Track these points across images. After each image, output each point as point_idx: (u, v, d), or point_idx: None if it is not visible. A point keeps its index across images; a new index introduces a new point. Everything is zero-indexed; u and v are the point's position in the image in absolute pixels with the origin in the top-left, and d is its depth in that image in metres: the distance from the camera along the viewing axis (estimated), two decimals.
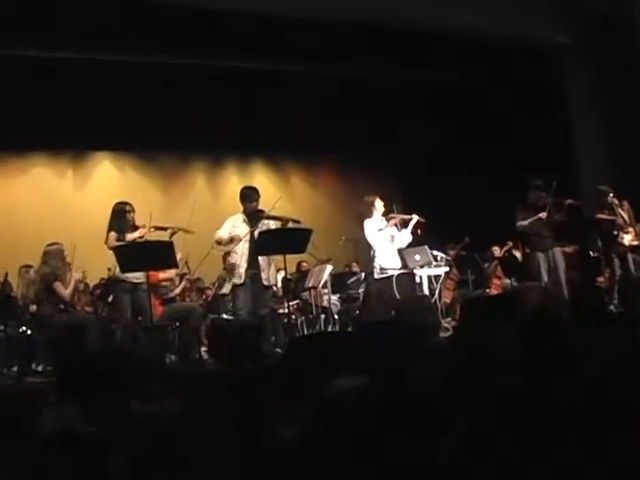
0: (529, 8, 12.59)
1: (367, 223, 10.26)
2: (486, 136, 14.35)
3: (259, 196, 9.24)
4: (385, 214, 10.36)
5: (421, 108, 15.47)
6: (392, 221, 10.31)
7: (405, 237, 10.40)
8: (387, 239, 10.29)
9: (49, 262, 9.06)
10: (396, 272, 10.29)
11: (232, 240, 9.08)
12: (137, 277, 8.50)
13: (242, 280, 9.05)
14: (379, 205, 10.37)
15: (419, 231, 12.95)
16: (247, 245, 9.06)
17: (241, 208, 9.24)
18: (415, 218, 10.43)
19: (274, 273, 9.39)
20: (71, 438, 2.83)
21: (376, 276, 10.55)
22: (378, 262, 10.25)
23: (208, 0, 11.45)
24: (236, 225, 9.16)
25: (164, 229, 8.92)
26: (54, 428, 3.22)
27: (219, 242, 9.21)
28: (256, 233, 8.98)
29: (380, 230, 10.22)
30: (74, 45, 12.10)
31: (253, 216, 9.13)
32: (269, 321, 9.34)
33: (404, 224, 10.43)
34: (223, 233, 9.12)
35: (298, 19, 11.90)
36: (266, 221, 9.13)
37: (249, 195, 9.23)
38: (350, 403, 2.87)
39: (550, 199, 10.33)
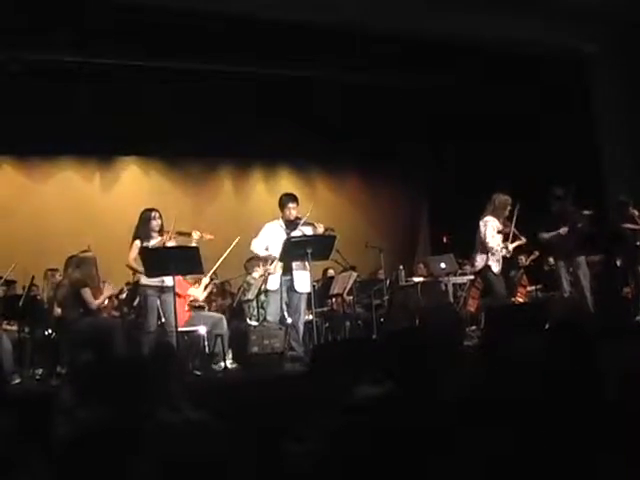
0: (556, 17, 12.53)
1: (490, 219, 10.05)
2: (511, 144, 14.29)
3: (298, 203, 9.29)
4: (507, 219, 10.13)
5: (447, 113, 15.45)
6: (507, 229, 10.07)
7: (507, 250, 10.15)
8: (500, 243, 10.06)
9: (81, 268, 9.11)
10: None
11: (267, 258, 9.18)
12: (166, 282, 8.53)
13: (277, 287, 9.12)
14: (508, 209, 10.09)
15: (445, 239, 12.93)
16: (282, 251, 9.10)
17: (276, 214, 9.34)
18: (523, 240, 10.27)
19: (308, 279, 9.36)
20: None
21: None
22: (488, 262, 10.03)
23: (240, 4, 11.44)
24: (273, 232, 9.23)
25: (187, 234, 8.92)
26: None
27: (254, 254, 9.36)
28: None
29: (499, 232, 10.02)
30: (103, 50, 12.16)
31: (291, 223, 9.19)
32: (300, 327, 9.32)
33: (512, 238, 10.16)
34: (259, 245, 9.21)
35: (325, 25, 11.93)
36: (302, 228, 9.18)
37: (287, 202, 9.30)
38: (374, 410, 2.87)
39: (573, 209, 10.27)
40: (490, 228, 9.95)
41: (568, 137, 13.47)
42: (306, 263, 9.10)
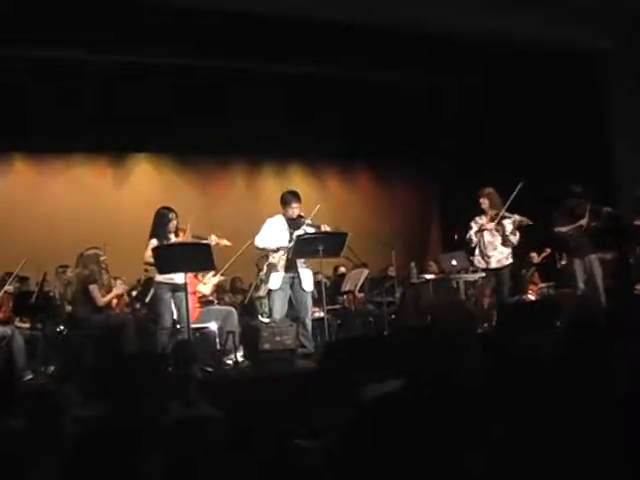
0: (568, 13, 12.48)
1: (472, 221, 10.18)
2: (524, 140, 14.25)
3: (300, 201, 9.22)
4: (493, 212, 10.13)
5: (460, 112, 15.41)
6: (496, 221, 10.05)
7: (511, 238, 10.13)
8: (487, 237, 10.08)
9: (87, 265, 9.15)
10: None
11: (273, 251, 9.10)
12: (178, 278, 8.49)
13: (279, 285, 9.06)
14: (486, 200, 10.15)
15: (456, 236, 12.90)
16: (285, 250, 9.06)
17: (280, 211, 9.25)
18: (524, 219, 10.14)
19: (312, 278, 9.35)
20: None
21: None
22: (476, 260, 10.19)
23: (241, 3, 11.42)
24: (275, 229, 9.15)
25: (203, 239, 8.79)
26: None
27: (259, 249, 9.26)
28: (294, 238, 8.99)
29: (481, 229, 10.06)
30: (113, 47, 12.17)
31: (293, 221, 9.13)
32: (308, 324, 9.27)
33: (516, 225, 10.12)
34: (263, 241, 9.12)
35: (335, 22, 11.89)
36: (306, 228, 9.11)
37: (290, 200, 9.23)
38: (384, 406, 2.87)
39: (588, 206, 10.22)
40: (470, 229, 10.14)
41: (581, 135, 13.43)
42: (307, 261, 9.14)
